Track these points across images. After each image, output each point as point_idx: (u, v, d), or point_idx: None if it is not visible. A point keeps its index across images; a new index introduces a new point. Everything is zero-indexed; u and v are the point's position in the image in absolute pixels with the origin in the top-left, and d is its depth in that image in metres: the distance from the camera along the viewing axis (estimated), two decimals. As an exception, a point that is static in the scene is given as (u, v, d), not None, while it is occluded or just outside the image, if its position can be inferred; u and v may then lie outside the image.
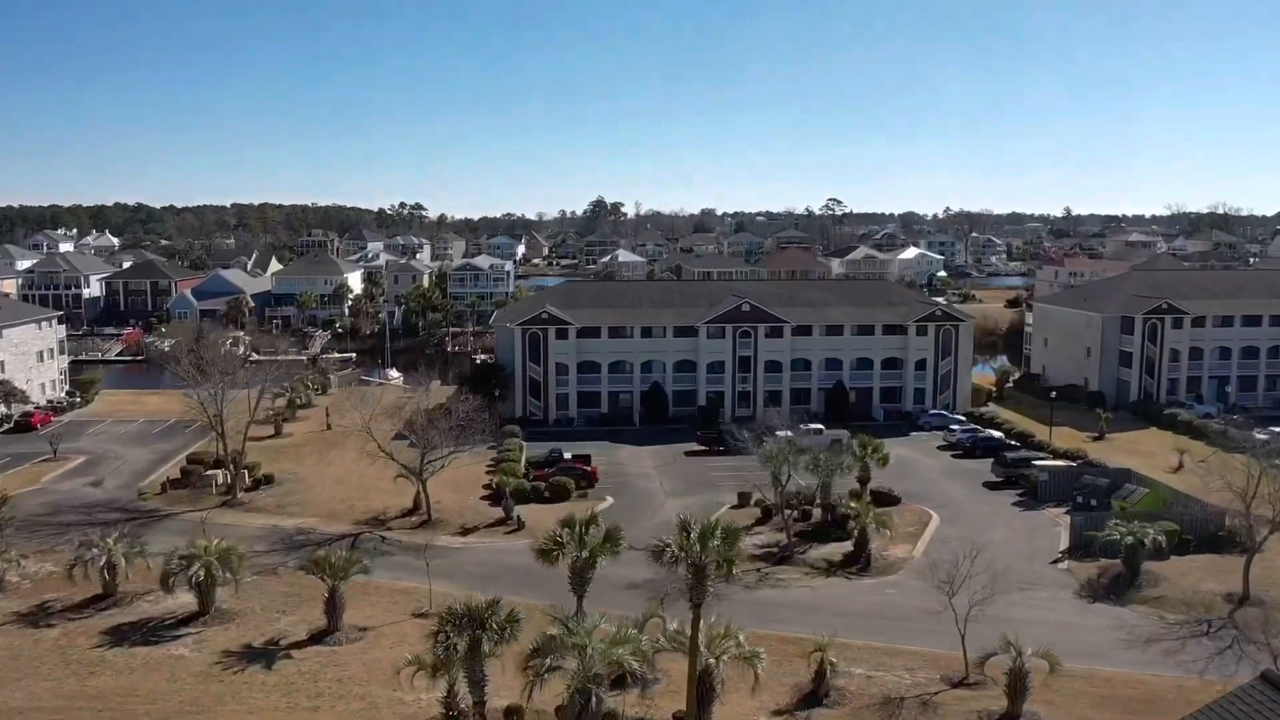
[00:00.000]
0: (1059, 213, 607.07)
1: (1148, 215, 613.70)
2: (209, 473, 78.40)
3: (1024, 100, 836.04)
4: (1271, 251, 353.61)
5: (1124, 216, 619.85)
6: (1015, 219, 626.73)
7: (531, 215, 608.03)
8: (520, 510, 70.45)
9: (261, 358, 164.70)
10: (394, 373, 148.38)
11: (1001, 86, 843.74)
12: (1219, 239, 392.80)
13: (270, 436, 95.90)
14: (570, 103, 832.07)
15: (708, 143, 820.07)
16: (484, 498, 75.33)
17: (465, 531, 68.15)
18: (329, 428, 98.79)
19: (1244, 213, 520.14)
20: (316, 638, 50.12)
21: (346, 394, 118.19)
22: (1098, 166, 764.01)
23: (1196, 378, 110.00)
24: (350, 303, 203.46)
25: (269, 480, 79.23)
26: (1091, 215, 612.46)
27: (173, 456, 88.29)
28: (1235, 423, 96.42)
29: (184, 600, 53.50)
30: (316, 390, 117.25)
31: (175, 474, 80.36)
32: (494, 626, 36.73)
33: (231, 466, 77.01)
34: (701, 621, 38.53)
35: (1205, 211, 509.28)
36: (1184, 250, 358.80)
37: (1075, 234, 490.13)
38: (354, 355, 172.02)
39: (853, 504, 63.96)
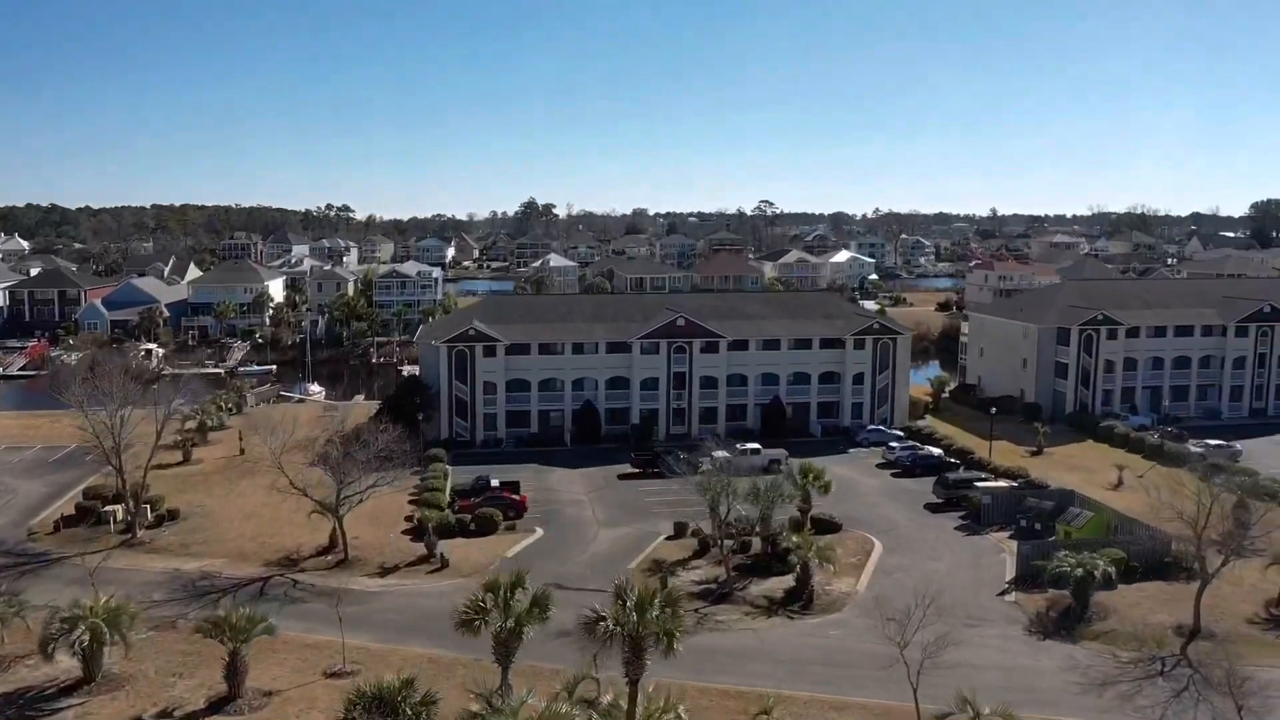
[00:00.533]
0: (985, 213, 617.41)
1: (1069, 215, 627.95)
2: (107, 509, 72.72)
3: (965, 105, 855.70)
4: (1187, 252, 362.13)
5: (1047, 216, 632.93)
6: (942, 219, 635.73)
7: (462, 216, 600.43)
8: (444, 546, 66.37)
9: (175, 371, 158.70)
10: (315, 387, 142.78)
11: (955, 90, 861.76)
12: (1139, 240, 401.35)
13: (178, 464, 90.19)
14: (532, 104, 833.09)
15: (648, 143, 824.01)
16: (406, 532, 70.97)
17: (385, 572, 63.79)
18: (242, 452, 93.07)
19: (1161, 213, 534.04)
20: (215, 705, 45.57)
21: (263, 413, 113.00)
22: (1024, 168, 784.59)
23: (1131, 388, 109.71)
24: (271, 312, 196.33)
25: (173, 516, 73.77)
26: (1015, 215, 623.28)
27: (70, 489, 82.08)
28: (1170, 435, 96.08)
29: (68, 665, 48.48)
30: (230, 410, 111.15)
31: (70, 510, 74.54)
32: (407, 711, 32.84)
33: (131, 502, 71.47)
34: (639, 695, 35.20)
35: (1124, 212, 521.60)
36: (1106, 251, 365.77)
37: (1001, 234, 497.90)
38: (274, 367, 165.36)
39: (794, 538, 61.02)
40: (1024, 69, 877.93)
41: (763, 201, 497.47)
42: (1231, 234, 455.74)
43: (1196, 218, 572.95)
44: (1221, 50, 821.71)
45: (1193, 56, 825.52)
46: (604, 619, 34.06)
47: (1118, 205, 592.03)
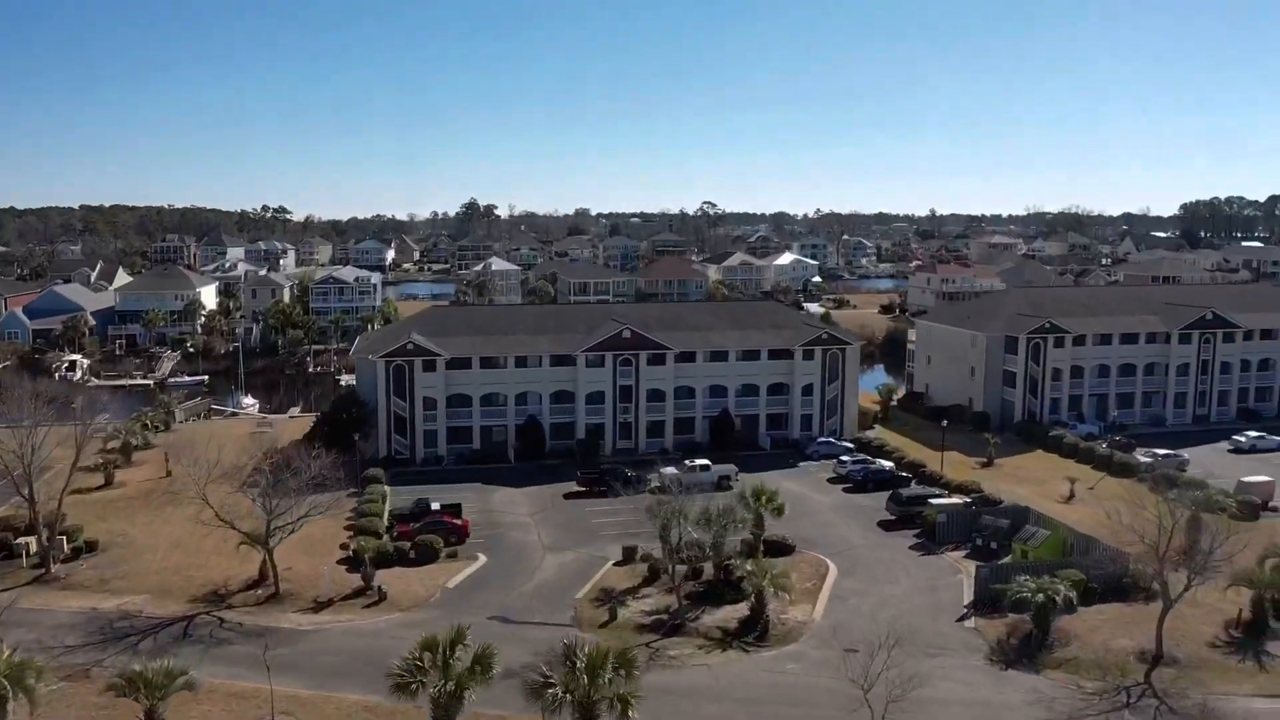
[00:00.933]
0: (924, 213, 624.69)
1: (1005, 215, 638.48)
2: (19, 541, 68.18)
3: (917, 107, 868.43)
4: (1121, 253, 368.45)
5: (984, 216, 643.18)
6: (882, 219, 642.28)
7: (402, 216, 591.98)
8: (382, 577, 63.14)
9: (100, 383, 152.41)
10: (249, 400, 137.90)
11: (909, 93, 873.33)
12: (1074, 240, 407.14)
13: (99, 488, 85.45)
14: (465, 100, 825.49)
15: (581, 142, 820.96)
16: (341, 561, 67.40)
17: (318, 607, 60.32)
18: (169, 474, 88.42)
19: (1094, 214, 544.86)
20: (131, 768, 42.18)
21: (192, 431, 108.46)
22: (966, 169, 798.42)
23: (1078, 396, 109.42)
24: (203, 319, 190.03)
25: (91, 548, 69.36)
26: (954, 215, 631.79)
27: (-20, 518, 77.21)
28: (1118, 444, 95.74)
29: (-32, 725, 44.62)
30: (158, 428, 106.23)
31: (-21, 543, 69.81)
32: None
33: (45, 533, 67.02)
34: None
35: (1059, 212, 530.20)
36: (1043, 251, 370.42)
37: (940, 234, 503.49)
38: (206, 378, 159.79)
39: (748, 565, 58.75)
40: (972, 74, 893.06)
41: (705, 203, 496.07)
42: (1162, 234, 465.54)
43: (1128, 218, 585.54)
44: (1153, 57, 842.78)
45: (1128, 62, 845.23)
46: (552, 684, 31.38)
47: (1052, 205, 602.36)
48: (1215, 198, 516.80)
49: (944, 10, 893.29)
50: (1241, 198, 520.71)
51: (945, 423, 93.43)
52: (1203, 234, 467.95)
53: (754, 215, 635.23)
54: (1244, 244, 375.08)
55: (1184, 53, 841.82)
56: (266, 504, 61.91)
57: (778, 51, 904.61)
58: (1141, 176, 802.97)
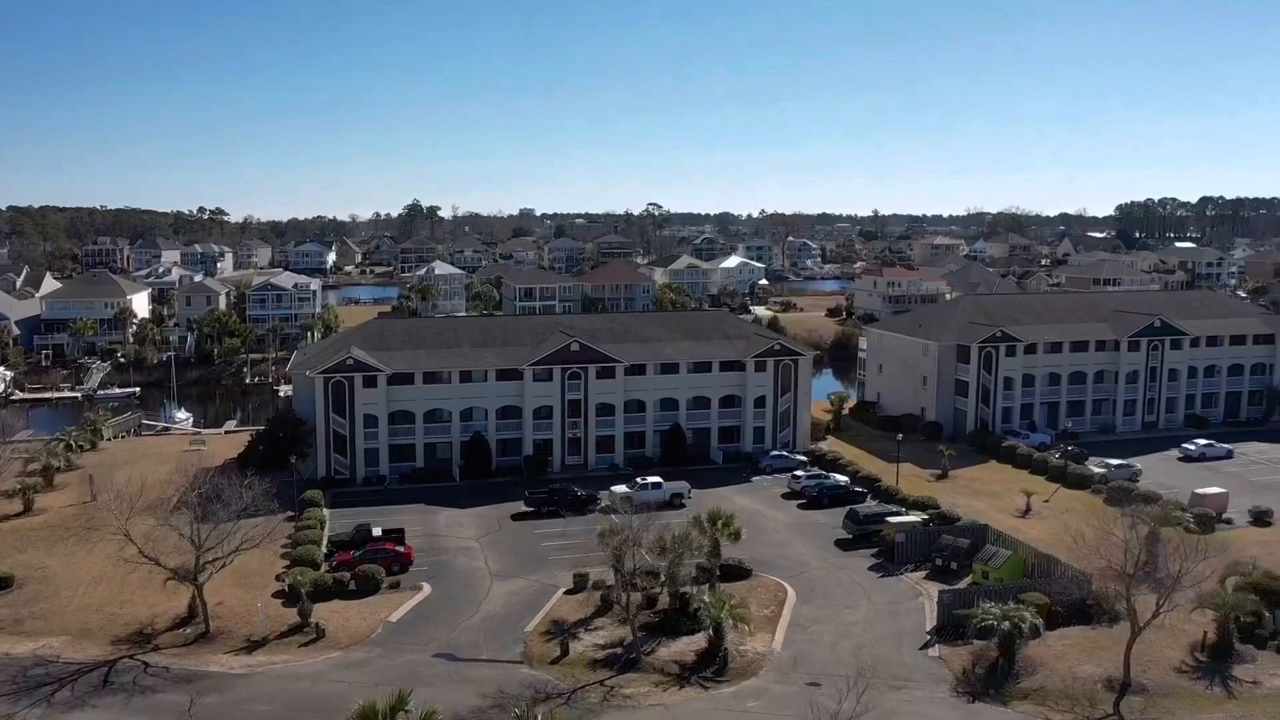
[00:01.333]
0: (867, 213, 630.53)
1: (946, 215, 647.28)
2: (-72, 579, 63.91)
3: (857, 111, 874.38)
4: (1060, 254, 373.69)
5: (925, 217, 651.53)
6: (825, 219, 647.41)
7: (344, 217, 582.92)
8: (320, 611, 59.83)
9: (24, 397, 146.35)
10: (182, 414, 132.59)
11: (845, 96, 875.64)
12: (1014, 241, 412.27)
13: (18, 515, 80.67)
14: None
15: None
16: (277, 594, 63.76)
17: (252, 646, 56.80)
18: (94, 498, 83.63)
19: (1032, 214, 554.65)
20: (41, 841, 38.72)
21: (120, 450, 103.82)
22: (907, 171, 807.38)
23: (1029, 404, 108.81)
24: (135, 328, 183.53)
25: (7, 584, 64.90)
26: (896, 215, 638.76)
27: (-113, 553, 72.42)
28: (1071, 455, 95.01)
29: None
30: (83, 447, 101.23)
31: (-116, 582, 65.28)
32: None
33: (-44, 570, 62.82)
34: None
35: (999, 212, 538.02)
36: (984, 253, 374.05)
37: (883, 235, 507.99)
38: (137, 390, 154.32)
39: (705, 596, 56.35)
40: (911, 78, 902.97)
41: (651, 204, 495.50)
42: (1099, 234, 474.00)
43: (1065, 218, 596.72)
44: (1098, 60, 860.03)
45: (1060, 65, 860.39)
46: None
47: (992, 206, 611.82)
48: (1149, 199, 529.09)
49: (921, 10, 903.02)
50: (1174, 199, 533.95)
51: (900, 436, 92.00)
52: (1137, 235, 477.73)
53: (699, 216, 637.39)
54: (1178, 244, 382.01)
55: (1125, 55, 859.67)
56: (195, 537, 58.33)
57: (728, 51, 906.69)
58: (1078, 178, 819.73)
